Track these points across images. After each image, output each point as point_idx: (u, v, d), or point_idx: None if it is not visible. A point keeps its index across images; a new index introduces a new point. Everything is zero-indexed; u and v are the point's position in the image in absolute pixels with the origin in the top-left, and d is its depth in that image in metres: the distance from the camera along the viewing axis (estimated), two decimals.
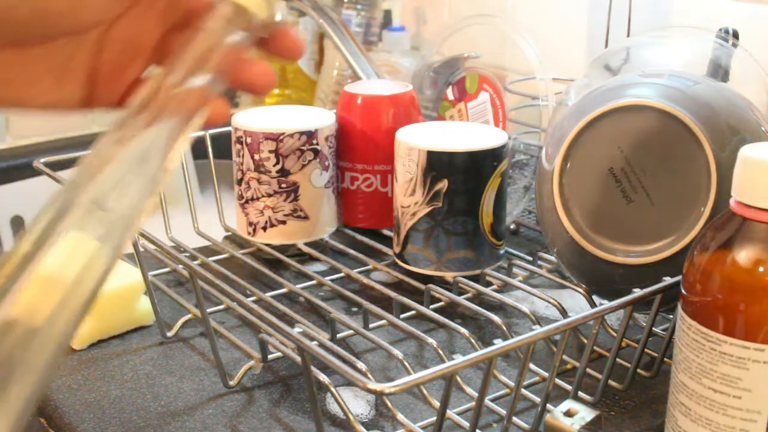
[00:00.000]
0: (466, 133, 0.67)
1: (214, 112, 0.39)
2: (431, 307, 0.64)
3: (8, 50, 0.37)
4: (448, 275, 0.66)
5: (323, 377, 0.53)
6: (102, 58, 0.40)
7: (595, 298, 0.61)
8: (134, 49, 0.41)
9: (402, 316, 0.63)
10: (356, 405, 0.54)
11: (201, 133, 0.79)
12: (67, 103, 0.41)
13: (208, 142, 0.78)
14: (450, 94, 0.83)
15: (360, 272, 0.69)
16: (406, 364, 0.54)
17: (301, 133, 0.69)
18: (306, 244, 0.72)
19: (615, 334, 0.54)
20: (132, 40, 0.41)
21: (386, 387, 0.40)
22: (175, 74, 0.37)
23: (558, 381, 0.55)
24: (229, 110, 0.42)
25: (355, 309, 0.66)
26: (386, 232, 0.76)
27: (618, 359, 0.54)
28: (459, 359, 0.42)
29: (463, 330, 0.57)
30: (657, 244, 0.54)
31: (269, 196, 0.70)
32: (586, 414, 0.47)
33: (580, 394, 0.53)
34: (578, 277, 0.60)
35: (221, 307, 0.66)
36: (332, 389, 0.52)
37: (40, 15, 0.36)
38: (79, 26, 0.39)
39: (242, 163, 0.70)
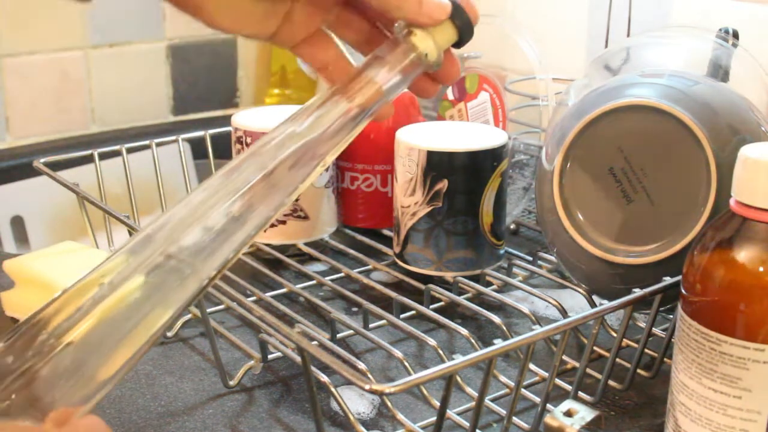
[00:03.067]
0: (466, 133, 0.67)
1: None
2: (431, 307, 0.64)
3: None
4: (448, 275, 0.66)
5: (323, 377, 0.53)
6: (297, 4, 0.46)
7: (595, 298, 0.61)
8: (318, 5, 0.47)
9: (402, 316, 0.63)
10: (356, 405, 0.54)
11: (201, 133, 0.79)
12: (263, 34, 0.46)
13: (208, 142, 0.78)
14: (450, 94, 0.83)
15: (360, 272, 0.69)
16: (406, 364, 0.54)
17: None
18: (306, 244, 0.72)
19: (615, 334, 0.54)
20: None
21: (386, 387, 0.40)
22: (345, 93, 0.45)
23: (558, 381, 0.55)
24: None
25: (355, 309, 0.66)
26: (386, 232, 0.76)
27: (618, 359, 0.54)
28: (459, 359, 0.42)
29: (463, 330, 0.57)
30: (657, 244, 0.54)
31: None
32: (586, 414, 0.46)
33: (580, 394, 0.53)
34: (578, 277, 0.60)
35: (221, 307, 0.66)
36: (332, 389, 0.52)
37: None
38: None
39: None
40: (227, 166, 0.40)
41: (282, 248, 0.73)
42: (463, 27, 0.46)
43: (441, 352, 0.54)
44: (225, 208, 0.38)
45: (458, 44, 0.47)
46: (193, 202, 0.38)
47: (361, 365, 0.51)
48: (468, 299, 0.64)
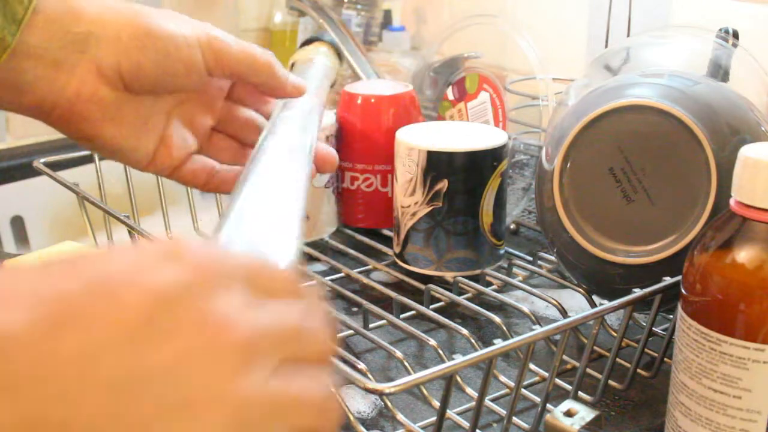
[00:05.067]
0: (466, 133, 0.67)
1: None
2: (431, 307, 0.64)
3: (120, 92, 0.48)
4: (448, 275, 0.66)
5: None
6: (171, 125, 0.52)
7: (595, 298, 0.61)
8: (191, 127, 0.53)
9: (402, 316, 0.63)
10: (356, 405, 0.54)
11: None
12: (137, 153, 0.51)
13: None
14: (450, 94, 0.83)
15: (360, 272, 0.69)
16: (406, 364, 0.54)
17: None
18: (306, 244, 0.72)
19: (615, 334, 0.54)
20: (191, 119, 0.53)
21: (386, 387, 0.40)
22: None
23: (558, 381, 0.55)
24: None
25: (355, 309, 0.66)
26: (386, 232, 0.76)
27: (618, 359, 0.54)
28: (459, 359, 0.42)
29: (463, 330, 0.57)
30: (657, 244, 0.54)
31: None
32: (586, 414, 0.46)
33: (580, 394, 0.53)
34: (578, 277, 0.60)
35: None
36: (332, 389, 0.52)
37: (162, 71, 0.48)
38: (184, 86, 0.50)
39: None
40: None
41: None
42: None
43: (441, 352, 0.54)
44: None
45: None
46: None
47: (361, 365, 0.51)
48: (468, 299, 0.64)
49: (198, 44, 0.49)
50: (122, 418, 0.22)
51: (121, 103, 0.48)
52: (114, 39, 0.47)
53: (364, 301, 0.62)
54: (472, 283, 0.64)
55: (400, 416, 0.52)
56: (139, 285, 0.24)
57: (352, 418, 0.51)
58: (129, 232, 0.62)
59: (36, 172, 0.72)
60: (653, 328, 0.55)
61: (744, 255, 0.41)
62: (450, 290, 0.65)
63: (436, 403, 0.53)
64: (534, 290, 0.62)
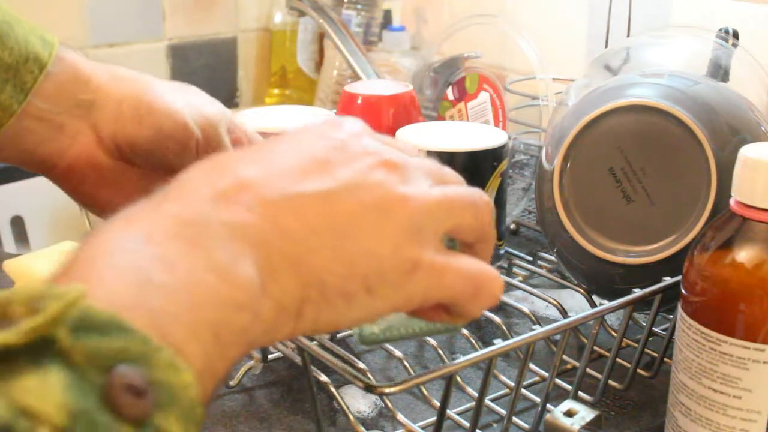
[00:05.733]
0: (466, 133, 0.67)
1: None
2: None
3: (118, 161, 0.49)
4: None
5: (323, 377, 0.53)
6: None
7: (595, 298, 0.61)
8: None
9: None
10: (356, 405, 0.54)
11: None
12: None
13: None
14: (450, 94, 0.83)
15: None
16: (406, 364, 0.54)
17: None
18: None
19: (615, 334, 0.54)
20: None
21: (386, 387, 0.40)
22: None
23: (558, 381, 0.55)
24: None
25: None
26: None
27: (618, 359, 0.54)
28: (459, 359, 0.42)
29: (463, 330, 0.57)
30: (657, 244, 0.54)
31: None
32: (586, 414, 0.46)
33: (580, 394, 0.53)
34: (578, 277, 0.60)
35: None
36: (332, 389, 0.52)
37: (156, 147, 0.48)
38: (179, 165, 0.50)
39: None
40: None
41: None
42: None
43: (441, 352, 0.54)
44: None
45: None
46: None
47: (361, 365, 0.51)
48: None
49: (195, 125, 0.49)
50: (337, 216, 0.31)
51: (119, 171, 0.49)
52: (114, 110, 0.48)
53: None
54: None
55: (400, 416, 0.52)
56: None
57: (352, 418, 0.51)
58: None
59: (36, 172, 0.71)
60: (653, 328, 0.55)
61: (744, 255, 0.41)
62: None
63: (436, 403, 0.53)
64: (534, 290, 0.62)
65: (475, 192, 0.37)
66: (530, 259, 0.71)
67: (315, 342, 0.56)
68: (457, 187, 0.36)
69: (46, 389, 0.21)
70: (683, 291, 0.43)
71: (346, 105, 0.73)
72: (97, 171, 0.49)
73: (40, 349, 0.22)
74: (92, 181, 0.49)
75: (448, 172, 0.38)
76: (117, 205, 0.51)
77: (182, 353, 0.25)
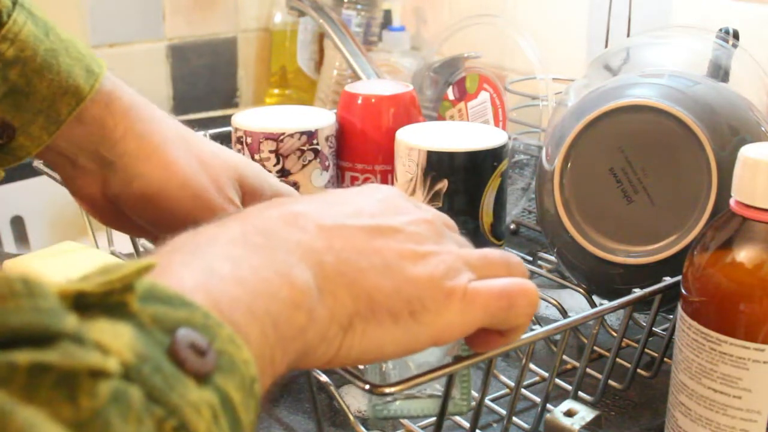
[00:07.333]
0: (466, 133, 0.67)
1: None
2: None
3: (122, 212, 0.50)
4: None
5: (323, 377, 0.52)
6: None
7: (595, 298, 0.61)
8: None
9: None
10: (356, 405, 0.54)
11: (201, 133, 0.79)
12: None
13: None
14: (450, 94, 0.83)
15: None
16: None
17: (302, 133, 0.69)
18: None
19: (615, 334, 0.54)
20: None
21: (386, 387, 0.40)
22: None
23: (558, 381, 0.55)
24: None
25: None
26: None
27: (618, 359, 0.54)
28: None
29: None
30: (657, 244, 0.54)
31: None
32: (586, 414, 0.47)
33: (580, 394, 0.53)
34: (578, 277, 0.60)
35: None
36: (332, 389, 0.52)
37: (158, 219, 0.49)
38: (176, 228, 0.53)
39: None
40: None
41: None
42: None
43: None
44: None
45: None
46: None
47: (361, 365, 0.51)
48: None
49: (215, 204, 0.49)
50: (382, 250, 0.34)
51: (124, 217, 0.50)
52: (126, 181, 0.48)
53: None
54: None
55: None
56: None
57: (352, 418, 0.51)
58: None
59: (36, 172, 0.71)
60: (653, 328, 0.55)
61: (744, 255, 0.41)
62: None
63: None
64: None
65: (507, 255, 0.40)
66: (530, 259, 0.71)
67: None
68: (488, 250, 0.39)
69: (117, 332, 0.23)
70: (683, 291, 0.43)
71: (346, 105, 0.73)
72: (103, 215, 0.51)
73: (112, 310, 0.24)
74: (99, 218, 0.52)
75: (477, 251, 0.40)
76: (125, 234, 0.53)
77: (241, 333, 0.27)
